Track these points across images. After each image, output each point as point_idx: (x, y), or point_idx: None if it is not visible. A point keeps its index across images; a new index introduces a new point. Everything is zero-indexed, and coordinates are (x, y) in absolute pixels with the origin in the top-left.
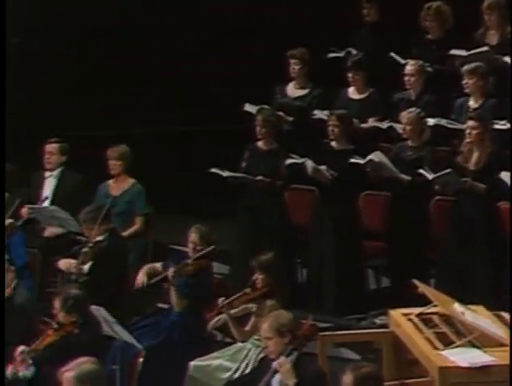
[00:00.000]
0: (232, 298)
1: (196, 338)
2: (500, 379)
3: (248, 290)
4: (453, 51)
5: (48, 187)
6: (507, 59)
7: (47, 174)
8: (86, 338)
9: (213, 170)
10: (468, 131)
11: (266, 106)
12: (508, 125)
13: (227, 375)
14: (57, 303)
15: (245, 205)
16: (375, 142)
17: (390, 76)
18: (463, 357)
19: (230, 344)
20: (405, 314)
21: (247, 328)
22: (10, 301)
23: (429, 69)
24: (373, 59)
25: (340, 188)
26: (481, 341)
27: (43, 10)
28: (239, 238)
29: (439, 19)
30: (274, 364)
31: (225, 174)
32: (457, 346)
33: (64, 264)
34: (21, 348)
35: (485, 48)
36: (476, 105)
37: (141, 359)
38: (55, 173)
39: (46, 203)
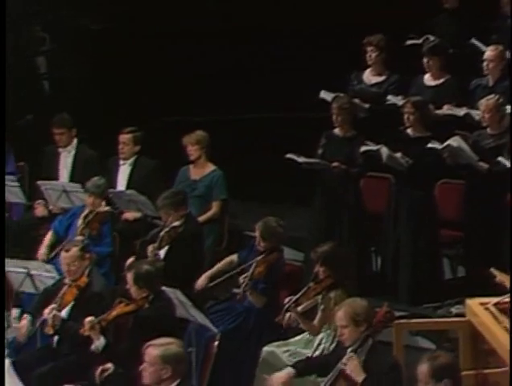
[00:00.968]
0: (297, 296)
1: (270, 324)
2: None
3: (312, 284)
4: None
5: (123, 174)
6: None
7: (122, 161)
8: (156, 314)
9: (289, 156)
10: None
11: (341, 94)
12: None
13: None
14: (129, 278)
15: (321, 192)
16: (451, 129)
17: (467, 62)
18: None
19: (304, 331)
20: (482, 304)
21: (315, 322)
22: (85, 289)
23: (508, 55)
24: (450, 44)
25: (416, 176)
26: None
27: None
28: (314, 225)
29: None
30: (341, 363)
31: (301, 160)
32: None
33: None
34: (89, 318)
35: None
36: None
37: (216, 343)
38: (130, 161)
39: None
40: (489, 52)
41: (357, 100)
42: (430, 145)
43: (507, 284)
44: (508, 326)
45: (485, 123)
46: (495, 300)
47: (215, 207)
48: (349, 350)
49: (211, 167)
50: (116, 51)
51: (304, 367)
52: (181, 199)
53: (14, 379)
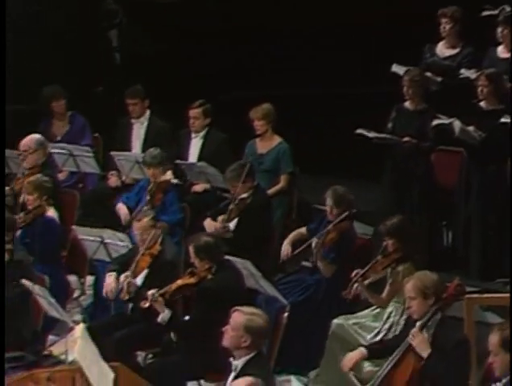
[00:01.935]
0: (365, 269)
1: (339, 297)
2: None
3: (380, 257)
4: None
5: (195, 147)
6: None
7: (193, 134)
8: (219, 285)
9: (359, 130)
10: None
11: (413, 67)
12: None
13: (370, 335)
14: (190, 251)
15: (391, 166)
16: None
17: None
18: None
19: (373, 305)
20: None
21: (383, 296)
22: (159, 257)
23: None
24: None
25: (489, 149)
26: None
27: None
28: (383, 199)
29: None
30: (409, 337)
31: (371, 134)
32: None
33: (209, 225)
34: (151, 291)
35: None
36: None
37: (286, 314)
38: (201, 134)
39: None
40: None
41: (429, 74)
42: (503, 120)
43: None
44: None
45: None
46: None
47: (283, 181)
48: (418, 323)
49: (277, 140)
50: (186, 24)
51: (377, 350)
52: (247, 171)
53: (89, 344)
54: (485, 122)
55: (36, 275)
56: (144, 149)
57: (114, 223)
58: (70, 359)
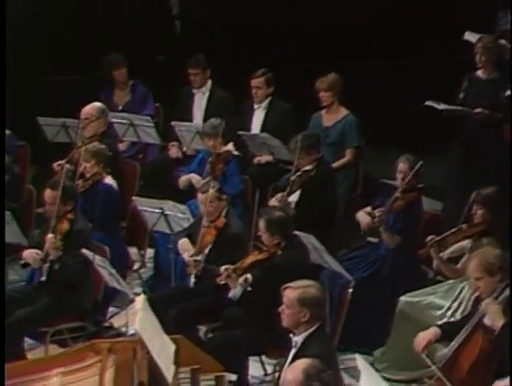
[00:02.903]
0: (445, 235)
1: (406, 274)
2: None
3: (464, 226)
4: None
5: (257, 118)
6: None
7: (256, 105)
8: (289, 260)
9: (428, 102)
10: None
11: (486, 34)
12: None
13: (438, 313)
14: (261, 225)
15: (461, 139)
16: None
17: None
18: None
19: (441, 282)
20: None
21: (459, 266)
22: (224, 230)
23: None
24: None
25: None
26: None
27: None
28: (453, 174)
29: None
30: (481, 306)
31: (441, 107)
32: None
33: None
34: (225, 266)
35: None
36: None
37: (350, 290)
38: (264, 104)
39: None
40: None
41: (503, 41)
42: None
43: None
44: None
45: None
46: None
47: (348, 155)
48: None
49: (344, 112)
50: None
51: (451, 330)
52: (313, 142)
53: (150, 316)
54: None
55: (97, 245)
56: (205, 119)
57: (175, 195)
58: (131, 331)
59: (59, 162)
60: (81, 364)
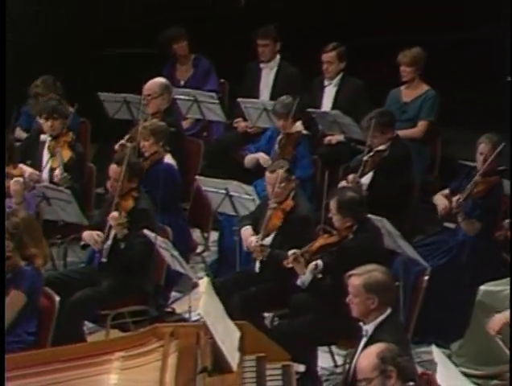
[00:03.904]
0: None
1: (486, 261)
2: None
3: None
4: None
5: (328, 95)
6: None
7: (327, 82)
8: (361, 244)
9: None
10: None
11: None
12: None
13: None
14: (332, 206)
15: None
16: None
17: None
18: None
19: None
20: None
21: None
22: (291, 213)
23: None
24: None
25: None
26: None
27: None
28: None
29: None
30: None
31: None
32: None
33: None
34: (293, 250)
35: None
36: None
37: (426, 278)
38: (335, 81)
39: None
40: None
41: None
42: None
43: None
44: None
45: None
46: None
47: (420, 127)
48: None
49: (424, 88)
50: None
51: None
52: (388, 121)
53: (214, 300)
54: None
55: (159, 226)
56: (272, 96)
57: (240, 175)
58: (194, 317)
59: (121, 141)
60: (143, 349)
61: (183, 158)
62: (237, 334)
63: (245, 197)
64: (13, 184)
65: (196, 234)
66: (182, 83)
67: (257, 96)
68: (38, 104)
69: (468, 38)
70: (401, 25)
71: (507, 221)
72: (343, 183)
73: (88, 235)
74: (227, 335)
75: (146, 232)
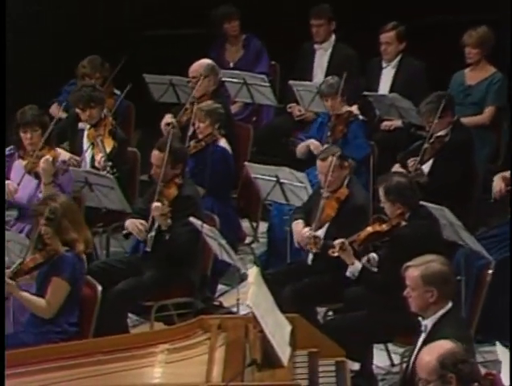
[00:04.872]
0: None
1: None
2: None
3: None
4: None
5: (386, 77)
6: None
7: (385, 63)
8: (415, 233)
9: None
10: None
11: None
12: None
13: None
14: (380, 193)
15: None
16: None
17: None
18: None
19: None
20: None
21: None
22: (346, 202)
23: None
24: None
25: None
26: None
27: None
28: None
29: None
30: None
31: None
32: None
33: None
34: (339, 240)
35: None
36: None
37: (490, 272)
38: (394, 63)
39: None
40: None
41: None
42: None
43: None
44: None
45: None
46: None
47: (487, 113)
48: None
49: (491, 70)
50: None
51: None
52: (447, 104)
53: (263, 291)
54: None
55: (206, 214)
56: None
57: (292, 163)
58: (242, 312)
59: (168, 119)
60: (188, 341)
61: (232, 143)
62: (289, 327)
63: (296, 185)
64: (42, 162)
65: (245, 224)
66: (231, 65)
67: (310, 79)
68: (72, 93)
69: None
70: (466, 2)
71: None
72: (396, 167)
73: (131, 223)
74: (277, 328)
75: (192, 219)
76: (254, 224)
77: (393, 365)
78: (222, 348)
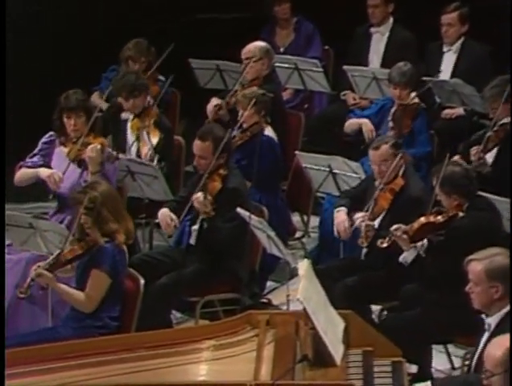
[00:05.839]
0: None
1: None
2: None
3: None
4: None
5: (447, 62)
6: None
7: (446, 47)
8: (473, 224)
9: None
10: None
11: None
12: None
13: None
14: (435, 184)
15: None
16: None
17: None
18: None
19: None
20: None
21: None
22: (401, 193)
23: None
24: None
25: None
26: None
27: None
28: None
29: None
30: None
31: None
32: None
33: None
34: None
35: None
36: None
37: None
38: (455, 46)
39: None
40: None
41: None
42: None
43: None
44: None
45: None
46: None
47: None
48: None
49: None
50: None
51: None
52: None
53: (315, 286)
54: None
55: (254, 205)
56: (384, 64)
57: (345, 154)
58: (292, 309)
59: (215, 101)
60: (236, 338)
61: (283, 131)
62: (342, 324)
63: (350, 175)
64: (89, 150)
65: (295, 218)
66: (282, 49)
67: (366, 64)
68: (115, 81)
69: None
70: None
71: None
72: (456, 158)
73: (162, 215)
74: (330, 325)
75: (239, 210)
76: (305, 218)
77: (453, 368)
78: (271, 345)
